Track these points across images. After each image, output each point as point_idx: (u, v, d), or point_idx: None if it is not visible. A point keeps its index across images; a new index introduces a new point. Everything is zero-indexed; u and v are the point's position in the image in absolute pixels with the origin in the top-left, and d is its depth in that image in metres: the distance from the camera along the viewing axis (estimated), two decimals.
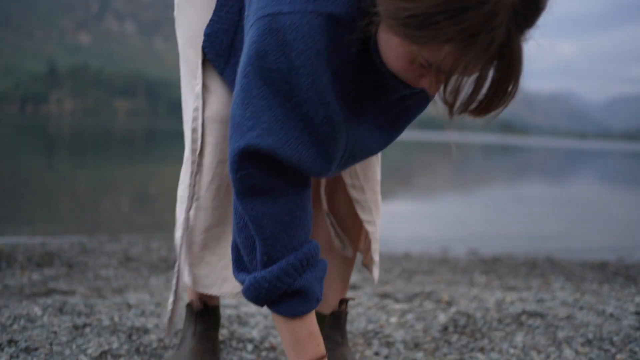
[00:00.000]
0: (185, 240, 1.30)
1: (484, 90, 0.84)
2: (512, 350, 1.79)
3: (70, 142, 22.14)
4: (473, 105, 0.86)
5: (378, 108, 1.06)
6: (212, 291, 1.33)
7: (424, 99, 1.09)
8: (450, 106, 0.86)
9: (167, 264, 3.44)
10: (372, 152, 1.15)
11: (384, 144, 1.14)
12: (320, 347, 1.09)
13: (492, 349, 1.80)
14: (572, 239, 5.77)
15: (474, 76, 0.83)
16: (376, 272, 1.46)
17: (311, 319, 1.09)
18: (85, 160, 14.16)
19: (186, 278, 1.34)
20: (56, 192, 8.06)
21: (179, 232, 1.33)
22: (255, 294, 1.05)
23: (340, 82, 0.98)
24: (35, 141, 21.16)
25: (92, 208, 6.79)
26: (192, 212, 1.29)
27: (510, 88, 0.84)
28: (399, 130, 1.14)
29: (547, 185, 13.88)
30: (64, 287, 2.65)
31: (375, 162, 1.42)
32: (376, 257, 1.45)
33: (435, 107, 0.95)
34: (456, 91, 0.85)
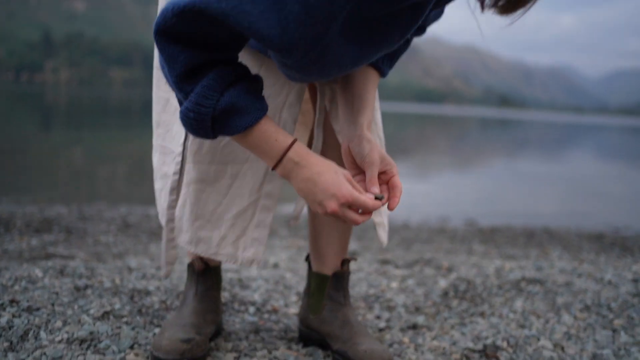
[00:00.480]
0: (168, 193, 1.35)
1: None
2: (511, 315, 1.80)
3: (66, 111, 21.99)
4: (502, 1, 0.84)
5: (367, 21, 0.99)
6: (188, 248, 1.36)
7: (411, 18, 1.02)
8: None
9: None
10: (342, 66, 1.06)
11: (359, 61, 1.07)
12: (279, 141, 1.05)
13: (492, 314, 1.81)
14: (569, 211, 5.79)
15: None
16: (382, 233, 1.46)
17: (259, 127, 1.05)
18: (83, 129, 14.08)
19: (165, 229, 1.39)
20: (53, 161, 8.03)
21: (158, 184, 1.41)
22: (190, 126, 1.03)
23: None
24: (32, 110, 21.00)
25: (90, 177, 6.77)
26: (177, 167, 1.31)
27: None
28: (377, 50, 1.06)
29: (545, 159, 13.89)
30: (63, 252, 2.65)
31: (375, 136, 1.40)
32: (378, 219, 1.44)
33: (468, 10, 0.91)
34: None
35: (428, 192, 6.58)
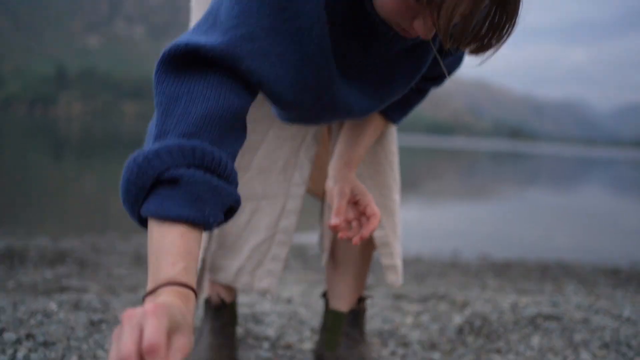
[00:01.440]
0: None
1: (479, 25, 0.80)
2: (528, 352, 1.77)
3: (79, 144, 22.25)
4: (467, 39, 0.82)
5: (364, 67, 1.02)
6: (208, 276, 1.39)
7: (412, 65, 1.04)
8: (444, 38, 0.81)
9: None
10: (352, 113, 1.08)
11: (365, 109, 1.09)
12: (174, 268, 0.73)
13: (509, 351, 1.79)
14: (583, 246, 5.74)
15: (467, 12, 0.79)
16: (390, 276, 1.44)
17: (182, 234, 0.77)
18: (94, 162, 14.22)
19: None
20: (66, 193, 8.10)
21: None
22: (127, 175, 0.80)
23: (332, 29, 0.92)
24: (45, 143, 21.27)
25: (102, 209, 6.81)
26: None
27: (506, 23, 0.80)
28: (382, 98, 1.08)
29: (557, 193, 13.82)
30: (77, 285, 2.65)
31: (387, 167, 1.41)
32: (388, 261, 1.44)
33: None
34: (448, 22, 0.79)
35: (440, 225, 6.56)
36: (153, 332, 0.59)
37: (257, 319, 2.02)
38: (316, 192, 1.53)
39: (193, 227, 0.78)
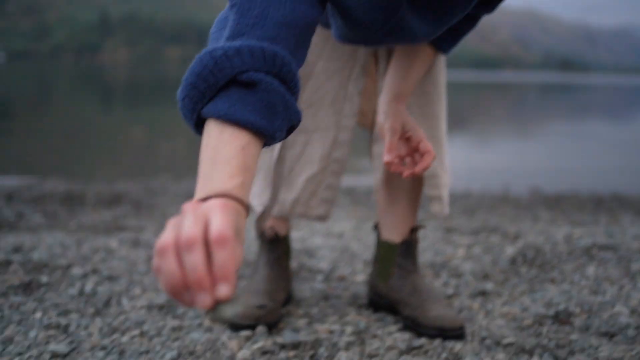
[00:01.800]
0: None
1: None
2: (583, 282, 1.76)
3: (127, 90, 22.56)
4: None
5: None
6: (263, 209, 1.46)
7: None
8: None
9: None
10: (416, 37, 1.07)
11: (427, 34, 1.07)
12: (231, 181, 0.68)
13: (564, 280, 1.78)
14: (637, 176, 5.58)
15: None
16: (435, 207, 1.44)
17: (244, 145, 0.72)
18: (142, 107, 14.43)
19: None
20: (116, 138, 8.28)
21: None
22: (199, 69, 0.74)
23: None
24: (94, 91, 21.66)
25: (152, 152, 6.95)
26: None
27: None
28: (441, 21, 1.05)
29: (611, 123, 13.36)
30: (134, 224, 2.74)
31: (435, 97, 1.39)
32: (433, 192, 1.43)
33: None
34: None
35: (488, 160, 6.46)
36: (223, 223, 0.56)
37: (309, 253, 2.06)
38: (365, 123, 1.52)
39: (257, 139, 0.73)
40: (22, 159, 5.85)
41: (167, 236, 0.57)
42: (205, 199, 0.66)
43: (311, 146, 1.40)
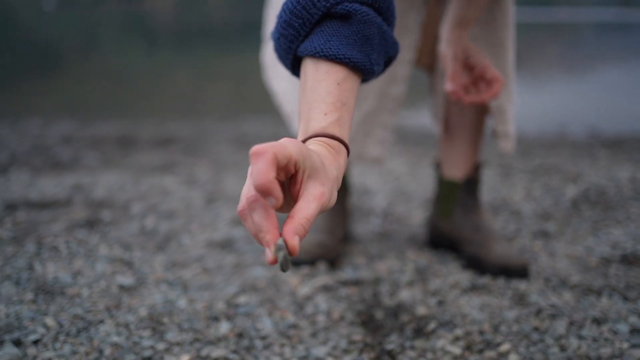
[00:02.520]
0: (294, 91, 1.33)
1: None
2: None
3: (172, 35, 22.60)
4: None
5: None
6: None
7: None
8: None
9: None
10: None
11: None
12: (326, 119, 0.66)
13: (629, 221, 1.71)
14: None
15: None
16: (503, 143, 1.39)
17: (340, 81, 0.68)
18: (188, 52, 14.44)
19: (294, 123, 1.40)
20: (166, 81, 8.34)
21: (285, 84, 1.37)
22: (292, 6, 0.70)
23: None
24: (140, 36, 21.79)
25: (200, 95, 6.98)
26: None
27: None
28: None
29: None
30: (188, 164, 2.77)
31: (502, 26, 1.31)
32: (500, 127, 1.37)
33: None
34: None
35: (543, 101, 6.25)
36: (259, 172, 0.52)
37: (366, 192, 2.04)
38: (424, 63, 1.46)
39: (354, 74, 0.69)
40: (76, 103, 5.97)
41: (242, 195, 0.57)
42: (304, 141, 0.65)
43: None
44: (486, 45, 1.31)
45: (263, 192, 0.52)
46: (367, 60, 0.69)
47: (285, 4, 0.71)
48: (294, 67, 0.75)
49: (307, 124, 0.67)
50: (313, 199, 0.57)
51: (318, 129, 0.65)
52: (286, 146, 0.55)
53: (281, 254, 0.54)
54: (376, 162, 1.42)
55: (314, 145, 0.64)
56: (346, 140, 0.67)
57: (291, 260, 1.36)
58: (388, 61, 0.76)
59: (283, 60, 0.75)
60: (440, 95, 1.42)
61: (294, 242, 0.54)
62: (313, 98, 0.68)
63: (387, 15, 0.73)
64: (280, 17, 0.72)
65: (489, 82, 1.12)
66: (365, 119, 1.37)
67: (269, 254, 0.54)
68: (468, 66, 1.15)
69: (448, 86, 1.12)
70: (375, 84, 1.35)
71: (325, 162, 0.61)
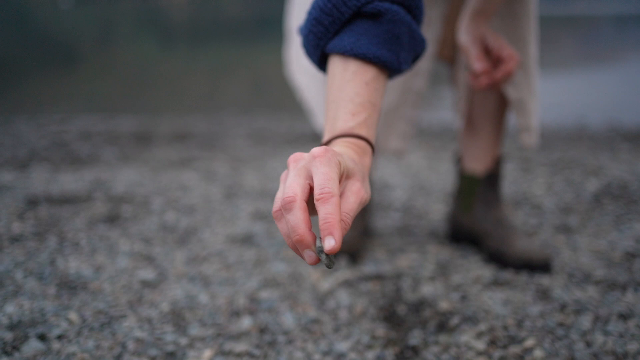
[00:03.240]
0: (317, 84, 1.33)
1: None
2: None
3: (187, 30, 22.68)
4: None
5: None
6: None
7: None
8: None
9: (299, 137, 3.50)
10: None
11: None
12: (354, 119, 0.67)
13: None
14: None
15: None
16: (524, 137, 1.37)
17: (369, 81, 0.69)
18: (204, 47, 14.47)
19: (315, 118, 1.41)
20: (181, 77, 8.37)
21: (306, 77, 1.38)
22: (322, 4, 0.71)
23: None
24: (156, 31, 21.89)
25: (216, 90, 7.00)
26: None
27: None
28: None
29: None
30: (206, 158, 2.78)
31: (523, 18, 1.29)
32: (521, 120, 1.35)
33: None
34: None
35: (562, 94, 6.18)
36: (322, 178, 0.55)
37: (386, 187, 2.03)
38: (445, 56, 1.44)
39: (382, 73, 0.70)
40: (93, 99, 6.01)
41: (276, 198, 0.58)
42: (329, 141, 0.66)
43: None
44: (507, 39, 1.29)
45: (301, 246, 0.55)
46: (395, 60, 0.70)
47: (316, 1, 0.72)
48: (321, 63, 0.75)
49: (333, 124, 0.68)
50: (351, 194, 0.59)
51: (345, 129, 0.66)
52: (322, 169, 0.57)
53: (323, 256, 0.56)
54: (398, 154, 1.43)
55: (340, 146, 0.65)
56: (373, 141, 0.67)
57: None
58: (415, 58, 0.76)
59: (310, 56, 0.75)
60: (462, 87, 1.41)
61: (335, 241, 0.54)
62: (340, 97, 0.68)
63: (416, 12, 0.73)
64: (310, 13, 0.72)
65: (504, 59, 1.12)
66: (388, 112, 1.37)
67: (311, 254, 0.56)
68: (487, 50, 1.14)
69: (477, 66, 1.11)
70: (398, 78, 1.34)
71: (357, 162, 0.63)
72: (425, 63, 1.35)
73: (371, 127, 0.68)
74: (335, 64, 0.70)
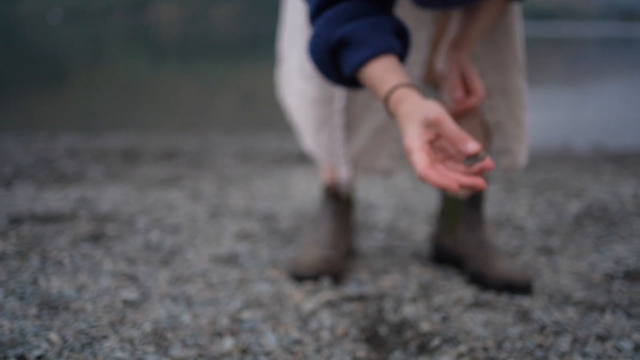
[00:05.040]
0: (308, 110, 1.38)
1: None
2: None
3: (177, 48, 22.74)
4: None
5: None
6: (326, 163, 1.42)
7: None
8: None
9: (285, 157, 3.52)
10: None
11: None
12: (398, 78, 0.93)
13: (632, 238, 1.71)
14: None
15: None
16: (503, 160, 1.40)
17: (370, 67, 0.96)
18: (193, 64, 14.52)
19: (307, 145, 1.44)
20: (170, 93, 8.39)
21: (296, 100, 1.41)
22: (313, 61, 1.02)
23: None
24: (146, 49, 21.92)
25: (204, 109, 7.02)
26: (314, 86, 1.32)
27: None
28: None
29: None
30: (193, 177, 2.78)
31: (504, 45, 1.32)
32: (498, 142, 1.38)
33: None
34: None
35: (547, 116, 6.26)
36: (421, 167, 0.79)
37: (370, 206, 2.05)
38: (431, 81, 1.47)
39: (386, 56, 0.96)
40: (81, 116, 6.01)
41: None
42: (387, 96, 0.93)
43: None
44: (489, 66, 1.32)
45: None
46: (389, 44, 0.97)
47: (307, 53, 1.03)
48: (349, 83, 1.03)
49: (383, 87, 0.93)
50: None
51: (397, 82, 0.93)
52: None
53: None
54: (387, 174, 1.43)
55: (406, 93, 0.91)
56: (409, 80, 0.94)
57: (296, 277, 1.36)
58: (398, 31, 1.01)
59: (339, 83, 1.05)
60: (448, 111, 1.42)
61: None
62: (378, 76, 0.95)
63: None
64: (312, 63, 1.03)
65: (472, 93, 1.19)
66: (377, 132, 1.38)
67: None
68: (466, 88, 1.19)
69: (455, 94, 1.15)
70: None
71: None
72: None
73: (405, 73, 0.97)
74: (360, 76, 0.99)
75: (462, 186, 0.80)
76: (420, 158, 0.81)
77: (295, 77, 1.40)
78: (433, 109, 0.85)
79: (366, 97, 1.35)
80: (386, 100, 0.93)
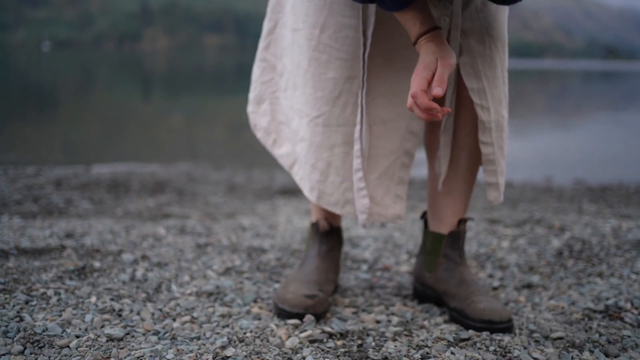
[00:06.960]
0: (311, 156, 1.36)
1: None
2: (633, 276, 1.73)
3: (166, 78, 22.86)
4: None
5: None
6: (335, 209, 1.37)
7: None
8: None
9: (270, 192, 3.54)
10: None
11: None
12: (416, 26, 1.17)
13: (612, 275, 1.75)
14: None
15: None
16: (492, 194, 1.42)
17: (407, 12, 1.17)
18: (182, 95, 14.60)
19: (307, 192, 1.39)
20: (159, 126, 8.42)
21: (300, 147, 1.39)
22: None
23: None
24: (135, 78, 22.01)
25: (193, 140, 7.05)
26: (317, 129, 1.33)
27: None
28: None
29: None
30: (179, 212, 2.80)
31: (500, 81, 1.38)
32: (489, 178, 1.41)
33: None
34: None
35: (530, 150, 6.35)
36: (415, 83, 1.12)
37: (353, 242, 2.07)
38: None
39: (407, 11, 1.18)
40: (68, 148, 6.01)
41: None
42: (416, 42, 1.18)
43: (383, 138, 1.36)
44: (491, 101, 1.34)
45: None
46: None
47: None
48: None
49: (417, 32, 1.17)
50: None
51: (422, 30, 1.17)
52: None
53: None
54: (397, 219, 1.41)
55: (431, 40, 1.16)
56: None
57: (281, 313, 1.37)
58: None
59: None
60: (442, 147, 1.44)
61: None
62: (409, 19, 1.19)
63: None
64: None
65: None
66: (383, 176, 1.37)
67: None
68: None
69: (435, 90, 1.13)
70: (395, 140, 1.37)
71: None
72: (418, 124, 1.37)
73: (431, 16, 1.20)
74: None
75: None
76: (418, 82, 1.12)
77: (299, 123, 1.40)
78: (443, 61, 1.15)
79: (371, 139, 1.36)
80: (417, 38, 1.18)
